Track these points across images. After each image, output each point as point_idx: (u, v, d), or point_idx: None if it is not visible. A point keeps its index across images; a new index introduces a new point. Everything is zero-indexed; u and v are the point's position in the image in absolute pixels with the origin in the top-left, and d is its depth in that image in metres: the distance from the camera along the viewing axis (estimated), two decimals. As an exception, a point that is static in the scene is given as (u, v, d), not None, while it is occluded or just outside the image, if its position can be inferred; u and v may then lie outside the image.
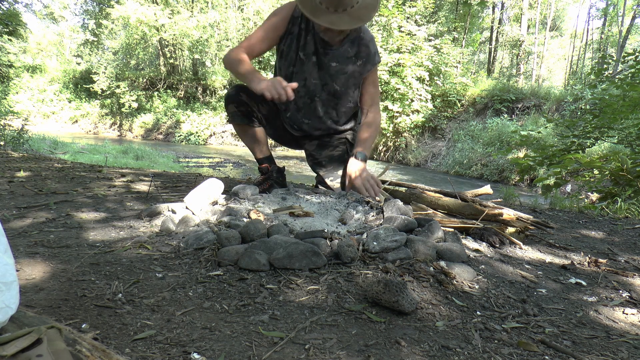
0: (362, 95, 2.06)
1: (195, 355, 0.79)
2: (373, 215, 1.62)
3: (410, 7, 15.87)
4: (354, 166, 1.81)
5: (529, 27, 22.47)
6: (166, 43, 20.28)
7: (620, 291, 1.28)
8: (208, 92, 21.24)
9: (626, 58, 5.03)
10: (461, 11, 20.73)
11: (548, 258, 1.56)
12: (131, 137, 19.70)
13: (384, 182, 2.25)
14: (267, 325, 0.92)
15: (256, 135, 2.09)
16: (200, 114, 19.67)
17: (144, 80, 21.52)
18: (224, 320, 0.93)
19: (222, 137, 18.93)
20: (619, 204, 3.26)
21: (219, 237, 1.34)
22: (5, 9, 9.95)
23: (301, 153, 2.44)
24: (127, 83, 20.81)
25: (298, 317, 0.96)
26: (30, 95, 21.23)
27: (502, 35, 24.60)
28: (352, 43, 1.93)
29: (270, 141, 2.60)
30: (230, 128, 18.67)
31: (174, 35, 19.20)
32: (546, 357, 0.87)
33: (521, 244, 1.65)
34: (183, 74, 21.73)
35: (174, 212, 1.62)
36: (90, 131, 20.88)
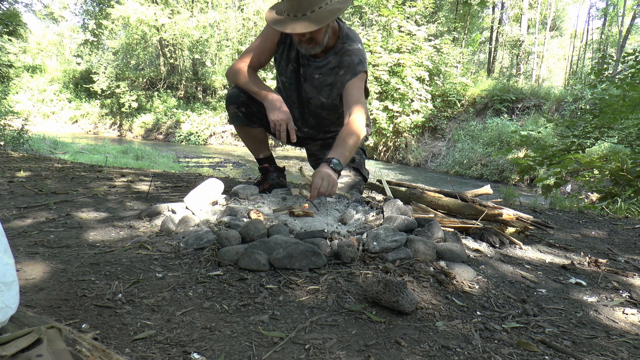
0: (344, 98, 1.86)
1: (195, 355, 0.79)
2: (373, 215, 1.62)
3: (410, 7, 15.86)
4: (322, 175, 1.56)
5: (529, 27, 22.46)
6: (166, 43, 20.28)
7: (620, 291, 1.28)
8: (208, 92, 21.23)
9: (626, 58, 5.04)
10: (461, 11, 20.72)
11: (548, 258, 1.56)
12: (131, 137, 19.69)
13: (380, 181, 2.26)
14: (267, 325, 0.92)
15: (257, 136, 2.10)
16: (200, 114, 19.66)
17: (144, 80, 21.51)
18: (224, 320, 0.93)
19: (222, 137, 18.93)
20: (619, 204, 3.25)
21: (219, 237, 1.34)
22: (5, 9, 9.95)
23: (302, 153, 2.45)
24: (127, 83, 20.80)
25: (298, 317, 0.96)
26: (30, 95, 21.23)
27: (502, 35, 24.58)
28: (336, 54, 1.88)
29: (271, 141, 2.57)
30: (230, 128, 18.66)
31: (174, 35, 19.21)
32: (546, 357, 0.87)
33: (521, 244, 1.65)
34: (183, 74, 21.72)
35: (174, 212, 1.62)
36: (90, 131, 20.87)
